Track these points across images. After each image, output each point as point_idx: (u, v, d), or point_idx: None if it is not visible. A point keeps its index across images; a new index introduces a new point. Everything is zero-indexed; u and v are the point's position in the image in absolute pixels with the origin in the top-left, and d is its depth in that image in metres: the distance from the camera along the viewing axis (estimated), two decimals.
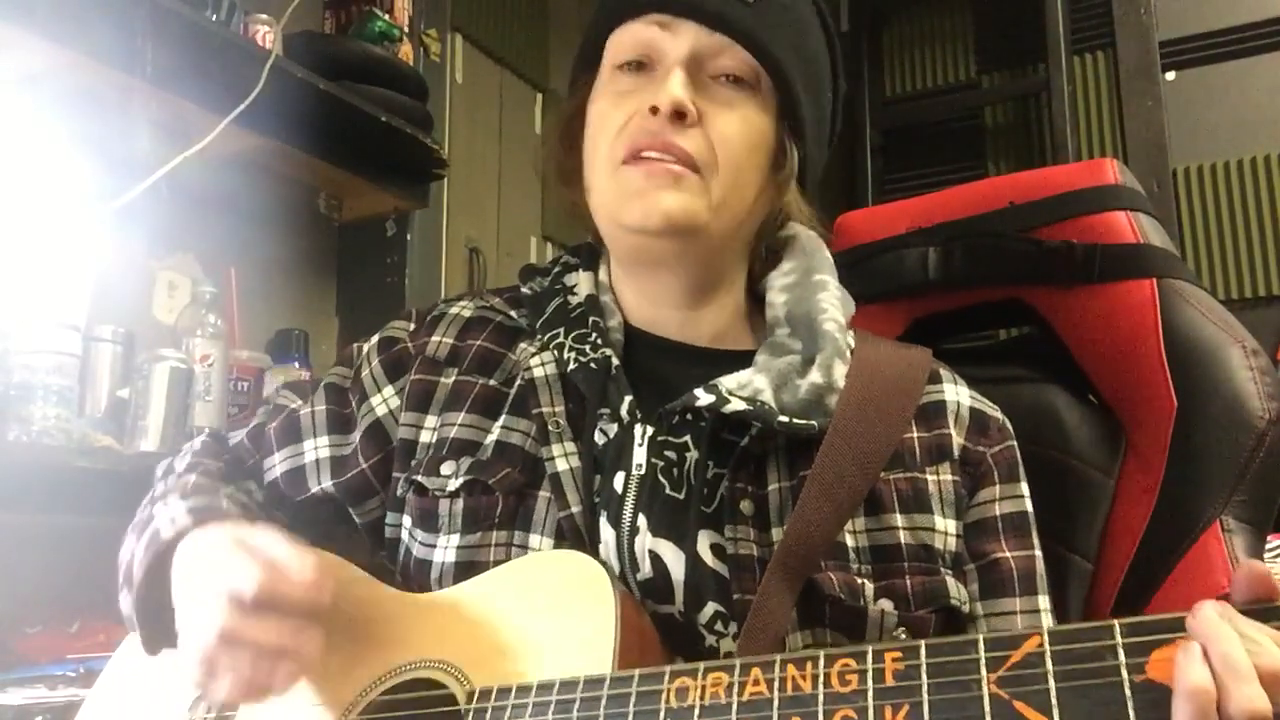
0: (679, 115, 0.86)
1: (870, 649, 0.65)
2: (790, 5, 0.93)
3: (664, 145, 0.86)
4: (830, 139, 1.00)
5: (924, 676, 0.62)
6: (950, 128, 3.23)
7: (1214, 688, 0.54)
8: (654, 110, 0.86)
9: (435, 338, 0.96)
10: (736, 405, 0.82)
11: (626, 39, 0.91)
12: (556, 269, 0.99)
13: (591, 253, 1.00)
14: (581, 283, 0.96)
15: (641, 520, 0.82)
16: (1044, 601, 0.88)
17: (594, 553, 0.80)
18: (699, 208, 0.86)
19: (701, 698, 0.66)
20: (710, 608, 0.80)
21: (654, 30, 0.89)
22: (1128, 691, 0.57)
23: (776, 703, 0.64)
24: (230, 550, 0.75)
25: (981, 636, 0.63)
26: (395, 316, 1.02)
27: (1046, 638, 0.60)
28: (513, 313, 0.97)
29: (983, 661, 0.61)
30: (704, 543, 0.81)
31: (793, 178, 0.93)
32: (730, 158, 0.87)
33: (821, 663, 0.65)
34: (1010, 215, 1.14)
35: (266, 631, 0.71)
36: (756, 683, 0.66)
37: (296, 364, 1.94)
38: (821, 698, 0.64)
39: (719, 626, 0.80)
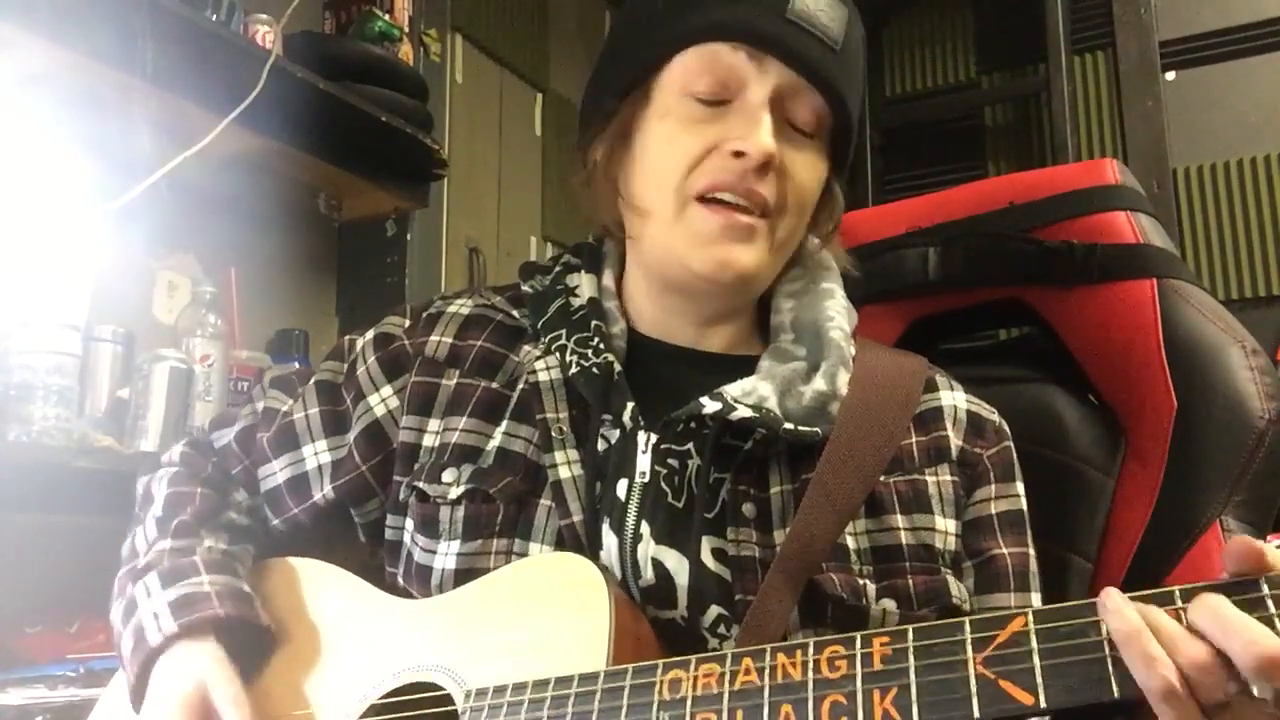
0: (764, 165, 0.83)
1: (859, 635, 0.65)
2: (858, 54, 0.92)
3: (745, 192, 0.84)
4: None
5: (911, 659, 0.63)
6: (950, 128, 3.23)
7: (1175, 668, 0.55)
8: (737, 154, 0.83)
9: (434, 337, 0.95)
10: (742, 413, 0.82)
11: (703, 64, 0.85)
12: (558, 268, 0.98)
13: (593, 254, 0.98)
14: (584, 285, 0.94)
15: (645, 528, 0.82)
16: (1036, 600, 0.88)
17: (594, 559, 0.79)
18: (765, 257, 0.87)
19: (694, 689, 0.67)
20: (713, 611, 0.80)
21: (740, 59, 0.84)
22: (1110, 667, 0.58)
23: (767, 690, 0.65)
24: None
25: (968, 619, 0.63)
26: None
27: (1031, 618, 0.61)
28: (515, 312, 0.96)
29: (968, 642, 0.62)
30: (707, 548, 0.81)
31: (839, 226, 0.95)
32: (798, 205, 0.88)
33: (811, 650, 0.66)
34: (1010, 215, 1.14)
35: None
36: (748, 672, 0.66)
37: (296, 364, 1.94)
38: (811, 684, 0.64)
39: (721, 629, 0.80)
